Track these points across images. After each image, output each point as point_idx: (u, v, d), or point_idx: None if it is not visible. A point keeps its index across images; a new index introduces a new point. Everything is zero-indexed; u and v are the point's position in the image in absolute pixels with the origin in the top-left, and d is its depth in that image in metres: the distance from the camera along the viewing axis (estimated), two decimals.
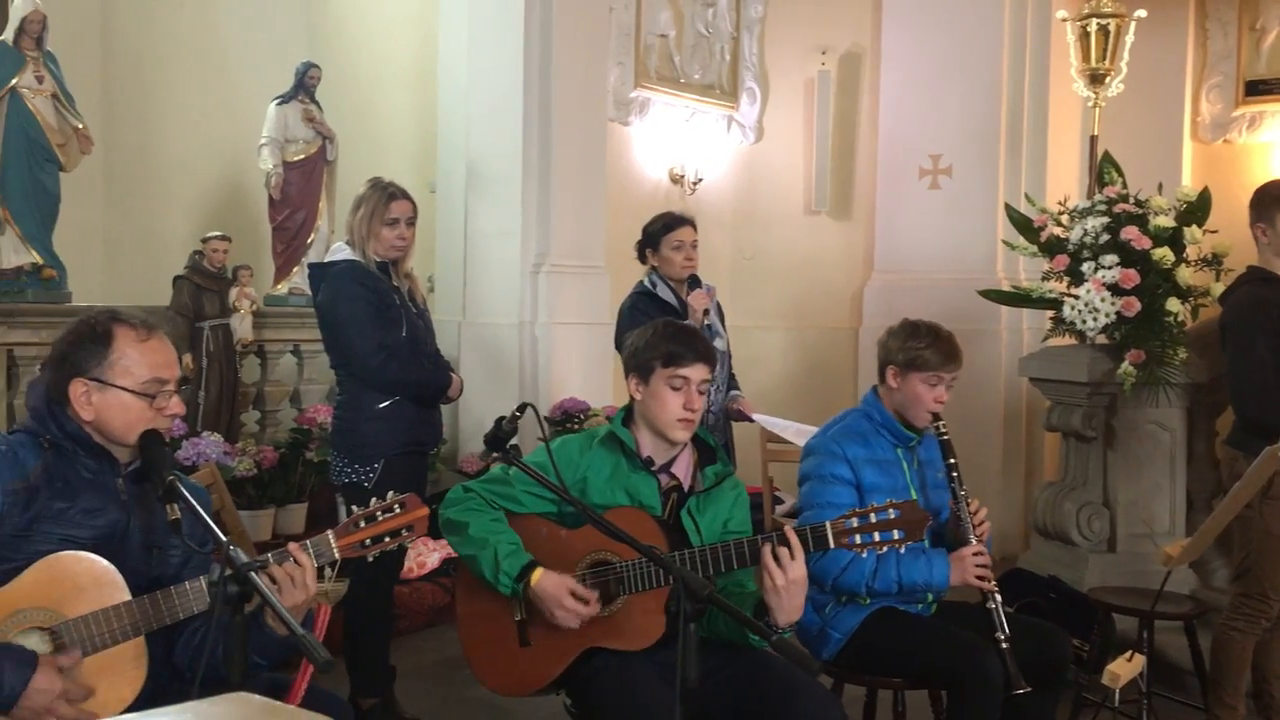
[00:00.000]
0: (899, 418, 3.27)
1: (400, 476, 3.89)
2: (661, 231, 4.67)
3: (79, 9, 6.79)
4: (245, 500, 5.40)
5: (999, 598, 3.10)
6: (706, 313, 4.59)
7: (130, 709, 2.22)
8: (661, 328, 2.87)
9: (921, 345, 3.21)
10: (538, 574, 2.62)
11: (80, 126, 5.77)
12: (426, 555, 5.58)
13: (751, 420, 4.67)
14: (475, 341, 6.64)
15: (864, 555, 2.60)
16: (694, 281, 4.72)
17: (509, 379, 6.46)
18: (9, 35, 5.59)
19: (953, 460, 3.23)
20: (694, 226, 4.71)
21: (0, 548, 2.22)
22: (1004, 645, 3.01)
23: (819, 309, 7.91)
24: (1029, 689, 2.97)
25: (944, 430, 3.26)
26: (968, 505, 3.18)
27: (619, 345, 4.47)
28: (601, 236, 6.70)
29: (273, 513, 5.70)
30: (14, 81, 5.53)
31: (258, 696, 1.20)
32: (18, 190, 5.54)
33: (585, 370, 6.54)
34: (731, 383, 4.84)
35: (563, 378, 6.44)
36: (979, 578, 3.10)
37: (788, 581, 2.45)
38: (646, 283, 4.69)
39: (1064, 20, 6.62)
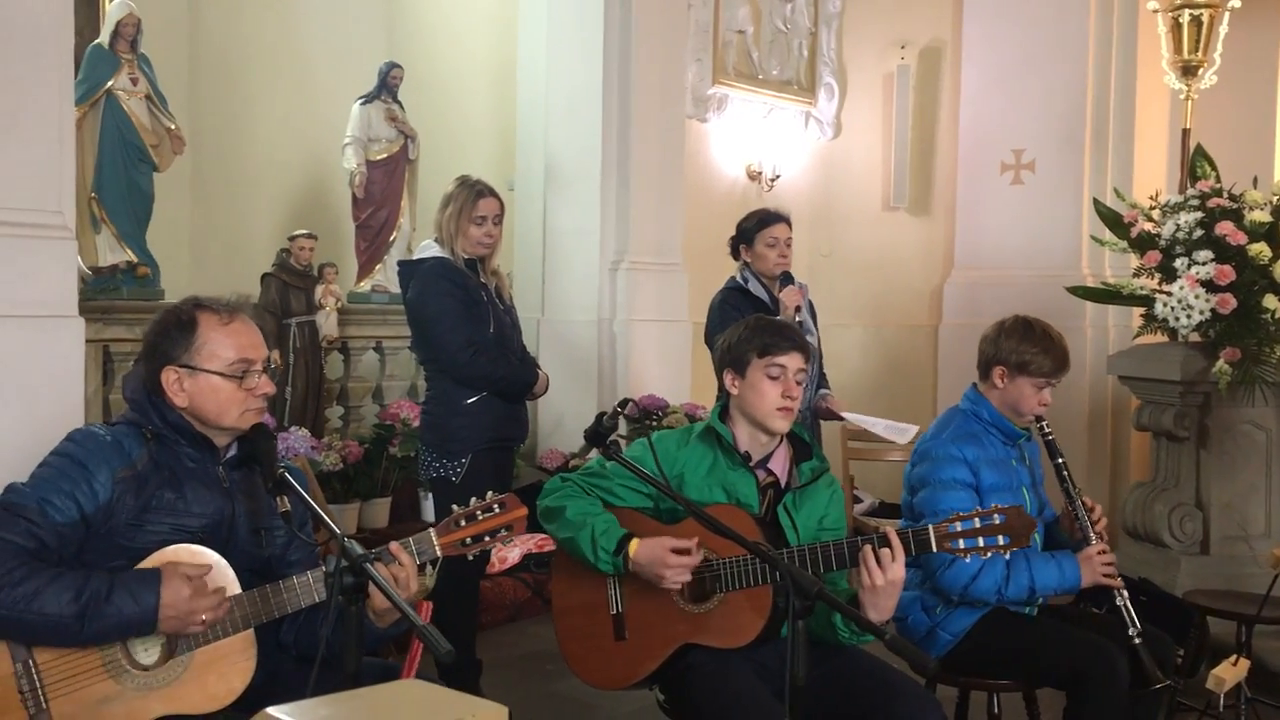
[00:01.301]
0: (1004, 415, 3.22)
1: (487, 471, 3.94)
2: (756, 228, 4.66)
3: (167, 12, 6.92)
4: (331, 494, 5.48)
5: (1127, 594, 3.04)
6: (798, 309, 4.56)
7: (240, 699, 2.27)
8: (754, 321, 2.90)
9: (1036, 350, 3.15)
10: (635, 544, 2.63)
11: (173, 127, 5.89)
12: (508, 551, 5.61)
13: (842, 419, 4.63)
14: (554, 339, 6.68)
15: (967, 560, 2.58)
16: (786, 278, 4.70)
17: (588, 376, 6.49)
18: (104, 38, 5.72)
19: (1061, 460, 3.18)
20: (789, 224, 4.70)
21: (116, 536, 2.28)
22: (1137, 641, 2.96)
23: (897, 306, 7.84)
24: (1168, 682, 2.92)
25: (1048, 430, 3.22)
26: (1083, 503, 3.13)
27: (709, 339, 4.47)
28: (680, 234, 6.72)
29: (358, 507, 5.79)
30: (110, 84, 5.66)
31: (426, 682, 1.22)
32: (113, 190, 5.67)
33: (663, 367, 6.56)
34: (822, 381, 4.80)
35: (641, 375, 6.45)
36: (1106, 575, 3.04)
37: (886, 582, 2.49)
38: (739, 278, 4.69)
39: (1155, 11, 6.48)
